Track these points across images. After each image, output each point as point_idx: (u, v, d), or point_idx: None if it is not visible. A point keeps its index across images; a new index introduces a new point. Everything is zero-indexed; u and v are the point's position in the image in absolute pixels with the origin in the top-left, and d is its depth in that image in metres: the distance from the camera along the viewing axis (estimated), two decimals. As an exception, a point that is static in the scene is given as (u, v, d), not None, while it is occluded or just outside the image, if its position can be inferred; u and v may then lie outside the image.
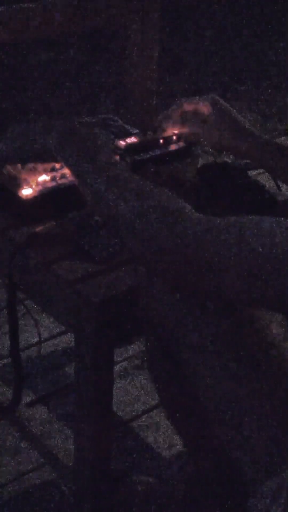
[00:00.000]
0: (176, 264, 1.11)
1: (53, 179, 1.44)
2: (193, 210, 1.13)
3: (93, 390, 1.37)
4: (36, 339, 2.10)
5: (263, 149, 1.46)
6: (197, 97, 1.54)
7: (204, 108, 1.51)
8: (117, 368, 2.07)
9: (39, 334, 2.07)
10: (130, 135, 1.62)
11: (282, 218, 1.09)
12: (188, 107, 1.54)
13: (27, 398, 1.96)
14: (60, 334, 2.18)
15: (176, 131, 1.58)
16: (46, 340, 2.15)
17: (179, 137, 1.60)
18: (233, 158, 1.64)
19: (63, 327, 2.09)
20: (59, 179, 1.44)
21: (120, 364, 2.11)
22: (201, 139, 1.54)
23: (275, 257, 1.04)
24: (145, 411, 1.97)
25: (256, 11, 4.46)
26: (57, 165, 1.44)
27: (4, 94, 3.46)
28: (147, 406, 1.98)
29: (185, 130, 1.56)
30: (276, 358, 1.20)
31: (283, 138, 3.41)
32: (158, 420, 1.93)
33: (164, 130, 1.59)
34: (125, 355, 2.14)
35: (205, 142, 1.55)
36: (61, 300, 1.35)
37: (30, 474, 1.78)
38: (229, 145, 1.50)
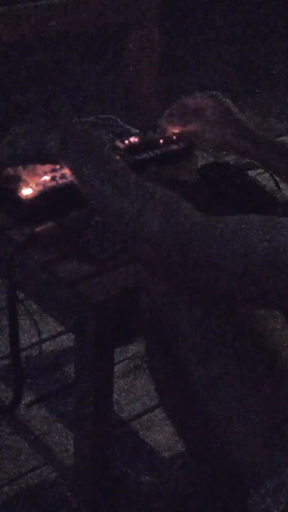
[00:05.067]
0: (176, 263, 1.11)
1: (53, 179, 1.44)
2: (193, 209, 1.13)
3: (93, 390, 1.36)
4: (36, 339, 2.10)
5: (264, 148, 1.46)
6: (198, 93, 1.53)
7: (206, 106, 1.51)
8: (117, 368, 2.06)
9: (39, 334, 2.07)
10: (130, 135, 1.62)
11: (281, 218, 1.09)
12: (189, 104, 1.53)
13: (27, 398, 1.96)
14: (60, 334, 2.18)
15: (177, 130, 1.58)
16: (46, 340, 2.15)
17: (180, 136, 1.60)
18: (233, 158, 1.64)
19: (63, 327, 2.09)
20: (59, 179, 1.44)
21: (120, 364, 2.11)
22: (203, 137, 1.54)
23: (274, 256, 1.04)
24: (145, 411, 1.97)
25: (257, 10, 4.46)
26: (57, 165, 1.44)
27: (4, 95, 3.45)
28: (147, 406, 1.98)
29: (187, 128, 1.56)
30: (276, 357, 1.20)
31: (283, 137, 3.41)
32: (158, 420, 1.93)
33: (164, 130, 1.59)
34: (125, 355, 2.13)
35: (206, 141, 1.55)
36: (61, 300, 1.35)
37: (30, 474, 1.78)
38: (230, 144, 1.49)
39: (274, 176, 1.55)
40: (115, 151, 1.52)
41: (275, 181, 1.58)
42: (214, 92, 1.51)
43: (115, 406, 1.91)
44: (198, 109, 1.52)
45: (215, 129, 1.50)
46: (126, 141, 1.58)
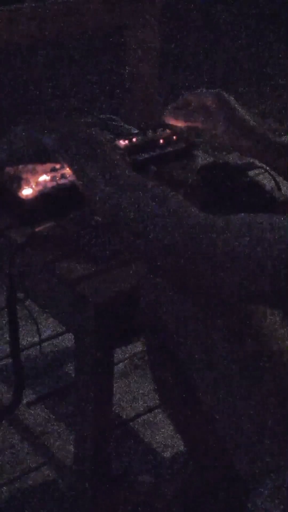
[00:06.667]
0: (177, 262, 1.10)
1: (53, 179, 1.44)
2: (195, 208, 1.13)
3: (93, 390, 1.36)
4: (36, 339, 2.10)
5: (266, 147, 1.47)
6: (203, 90, 1.54)
7: (210, 102, 1.51)
8: (117, 368, 2.06)
9: (39, 334, 2.08)
10: (130, 135, 1.62)
11: (282, 217, 1.09)
12: (193, 100, 1.54)
13: (27, 398, 1.96)
14: (60, 334, 2.18)
15: (179, 125, 1.58)
16: (46, 340, 2.15)
17: (180, 134, 1.60)
18: (233, 158, 1.64)
19: (63, 327, 2.09)
20: (59, 179, 1.44)
21: (120, 364, 2.11)
22: (205, 134, 1.55)
23: (275, 254, 1.04)
24: (145, 411, 1.97)
25: (256, 10, 4.46)
26: (57, 165, 1.44)
27: (4, 94, 3.45)
28: (147, 406, 1.98)
29: (189, 124, 1.56)
30: (277, 356, 1.20)
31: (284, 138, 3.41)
32: (158, 420, 1.93)
33: (165, 127, 1.60)
34: (125, 355, 2.14)
35: (208, 137, 1.55)
36: (61, 300, 1.35)
37: (30, 474, 1.78)
38: (233, 142, 1.50)
39: (275, 175, 1.55)
40: (115, 151, 1.52)
41: (275, 181, 1.58)
42: (217, 90, 1.52)
43: (115, 406, 1.91)
44: (202, 105, 1.52)
45: (217, 127, 1.50)
46: (126, 141, 1.58)
